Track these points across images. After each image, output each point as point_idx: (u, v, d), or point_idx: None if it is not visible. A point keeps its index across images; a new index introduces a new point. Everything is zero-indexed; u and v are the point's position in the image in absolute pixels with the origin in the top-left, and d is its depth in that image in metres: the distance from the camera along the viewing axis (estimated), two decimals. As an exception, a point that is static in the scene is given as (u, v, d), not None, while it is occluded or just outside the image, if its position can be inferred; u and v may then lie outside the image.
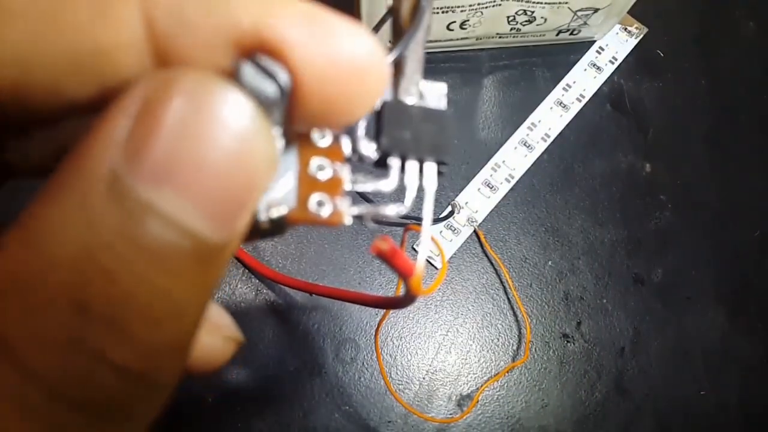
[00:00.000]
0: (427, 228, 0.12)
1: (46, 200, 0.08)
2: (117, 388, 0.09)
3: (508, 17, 0.35)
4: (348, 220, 0.12)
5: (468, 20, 0.34)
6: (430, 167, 0.12)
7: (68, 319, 0.08)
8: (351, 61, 0.10)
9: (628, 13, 0.37)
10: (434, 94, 0.13)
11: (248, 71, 0.09)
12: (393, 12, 0.12)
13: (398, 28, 0.12)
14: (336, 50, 0.10)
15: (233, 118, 0.09)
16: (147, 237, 0.08)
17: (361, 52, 0.10)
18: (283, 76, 0.10)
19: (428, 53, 0.12)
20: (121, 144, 0.08)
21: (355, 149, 0.12)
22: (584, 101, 0.38)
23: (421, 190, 0.12)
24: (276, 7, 0.10)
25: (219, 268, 0.09)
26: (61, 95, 0.10)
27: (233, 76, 0.09)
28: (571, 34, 0.38)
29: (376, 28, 0.30)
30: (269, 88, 0.10)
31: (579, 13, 0.35)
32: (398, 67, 0.12)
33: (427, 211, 0.12)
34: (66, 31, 0.09)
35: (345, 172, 0.12)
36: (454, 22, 0.34)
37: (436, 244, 0.33)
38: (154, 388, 0.09)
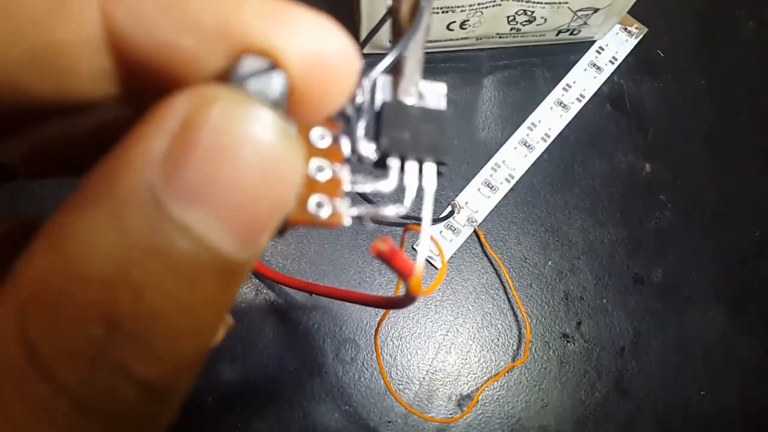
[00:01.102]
0: (427, 228, 0.12)
1: (79, 209, 0.08)
2: (137, 400, 0.09)
3: (508, 17, 0.35)
4: (347, 221, 0.12)
5: (468, 20, 0.34)
6: (430, 167, 0.12)
7: (97, 335, 0.08)
8: (322, 54, 0.10)
9: (628, 13, 0.37)
10: (434, 95, 0.13)
11: (249, 77, 0.09)
12: (393, 12, 0.12)
13: (398, 28, 0.12)
14: (308, 44, 0.10)
15: (266, 141, 0.09)
16: (177, 255, 0.08)
17: (332, 44, 0.10)
18: (281, 71, 0.10)
19: (428, 53, 0.12)
20: (158, 161, 0.08)
21: (354, 150, 0.12)
22: (584, 101, 0.38)
23: (420, 190, 0.12)
24: (239, 3, 0.09)
25: (239, 284, 0.09)
26: (22, 92, 0.10)
27: (227, 80, 0.09)
28: (571, 34, 0.37)
29: (376, 28, 0.30)
30: (274, 87, 0.09)
31: (579, 13, 0.35)
32: (398, 67, 0.12)
33: (427, 212, 0.12)
34: (21, 26, 0.09)
35: (344, 173, 0.12)
36: (454, 22, 0.34)
37: (435, 244, 0.33)
38: (171, 399, 0.09)
